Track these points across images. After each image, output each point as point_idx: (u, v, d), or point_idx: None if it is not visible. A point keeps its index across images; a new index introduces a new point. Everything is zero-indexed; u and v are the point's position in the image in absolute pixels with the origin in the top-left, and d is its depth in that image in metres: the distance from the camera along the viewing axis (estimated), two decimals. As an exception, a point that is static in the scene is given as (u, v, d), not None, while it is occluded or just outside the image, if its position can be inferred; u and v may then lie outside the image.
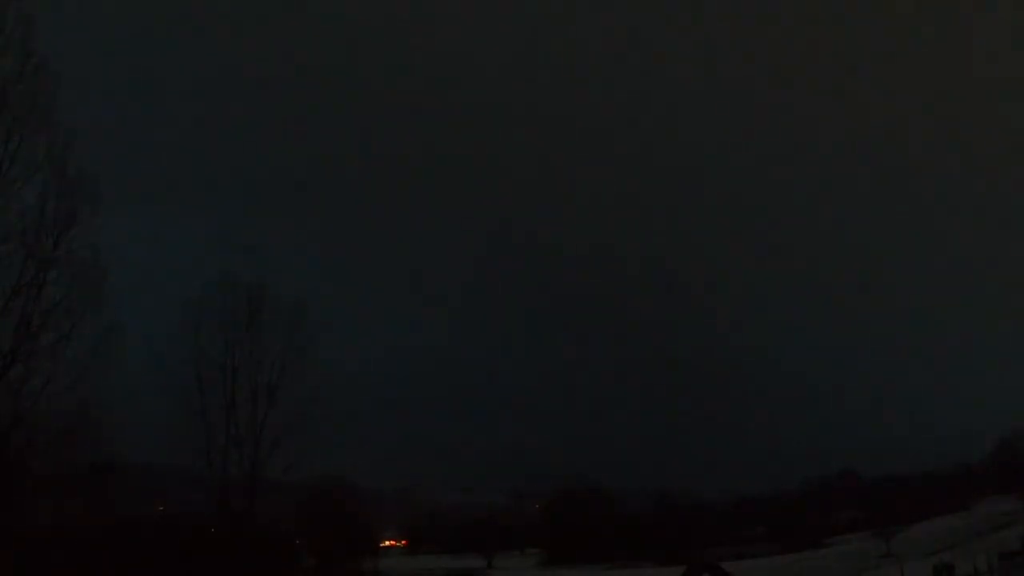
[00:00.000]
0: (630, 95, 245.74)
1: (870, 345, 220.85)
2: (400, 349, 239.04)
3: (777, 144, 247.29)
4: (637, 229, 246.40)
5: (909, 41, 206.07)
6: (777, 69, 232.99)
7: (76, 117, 25.15)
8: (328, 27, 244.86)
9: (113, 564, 32.75)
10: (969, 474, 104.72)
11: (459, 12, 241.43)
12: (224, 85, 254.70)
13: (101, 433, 27.30)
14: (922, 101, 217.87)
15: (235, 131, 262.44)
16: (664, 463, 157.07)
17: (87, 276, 24.93)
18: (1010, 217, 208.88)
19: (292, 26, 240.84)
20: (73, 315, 24.54)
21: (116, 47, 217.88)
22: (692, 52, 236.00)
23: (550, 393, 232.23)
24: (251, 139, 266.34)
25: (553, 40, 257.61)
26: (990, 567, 45.22)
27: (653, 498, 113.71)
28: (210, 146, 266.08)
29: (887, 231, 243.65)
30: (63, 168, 24.37)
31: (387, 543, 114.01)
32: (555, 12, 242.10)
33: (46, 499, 29.44)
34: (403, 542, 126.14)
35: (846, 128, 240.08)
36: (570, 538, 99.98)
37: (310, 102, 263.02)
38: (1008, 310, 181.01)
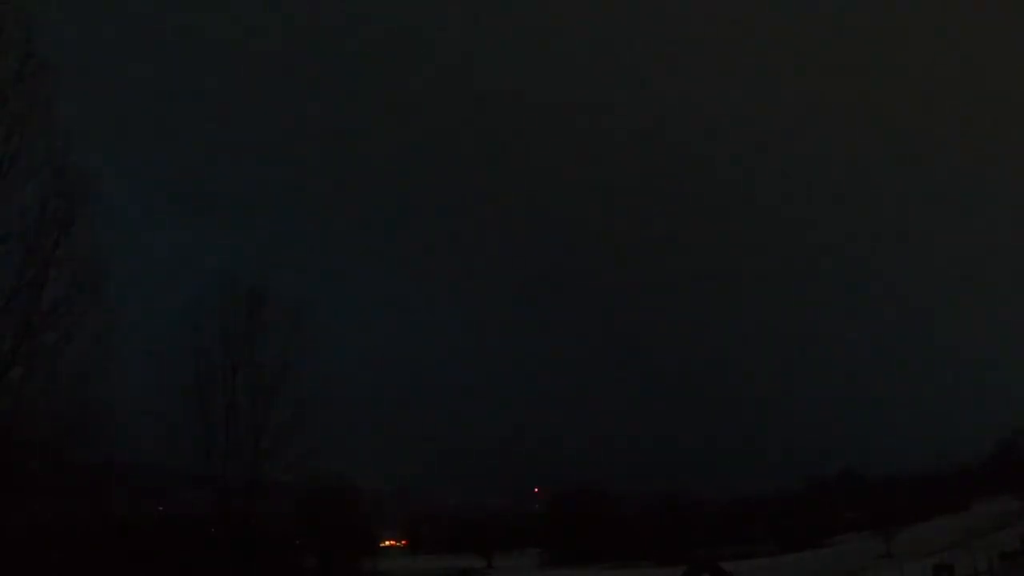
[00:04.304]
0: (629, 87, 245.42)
1: (870, 345, 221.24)
2: (401, 349, 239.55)
3: (770, 139, 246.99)
4: (641, 233, 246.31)
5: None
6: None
7: (77, 115, 25.06)
8: (330, 28, 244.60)
9: (113, 564, 32.73)
10: (969, 474, 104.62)
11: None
12: (225, 84, 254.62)
13: (101, 433, 27.25)
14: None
15: (235, 130, 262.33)
16: (664, 463, 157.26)
17: (87, 276, 24.83)
18: (1010, 216, 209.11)
19: (293, 27, 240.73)
20: (73, 315, 24.45)
21: (114, 46, 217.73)
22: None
23: (551, 393, 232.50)
24: (252, 139, 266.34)
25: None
26: (990, 567, 45.18)
27: (653, 498, 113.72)
28: (210, 145, 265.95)
29: (887, 233, 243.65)
30: (63, 168, 24.28)
31: (387, 543, 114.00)
32: None
33: (46, 499, 29.38)
34: (403, 542, 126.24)
35: (849, 119, 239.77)
36: (570, 538, 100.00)
37: (310, 101, 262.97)
38: (1008, 310, 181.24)
